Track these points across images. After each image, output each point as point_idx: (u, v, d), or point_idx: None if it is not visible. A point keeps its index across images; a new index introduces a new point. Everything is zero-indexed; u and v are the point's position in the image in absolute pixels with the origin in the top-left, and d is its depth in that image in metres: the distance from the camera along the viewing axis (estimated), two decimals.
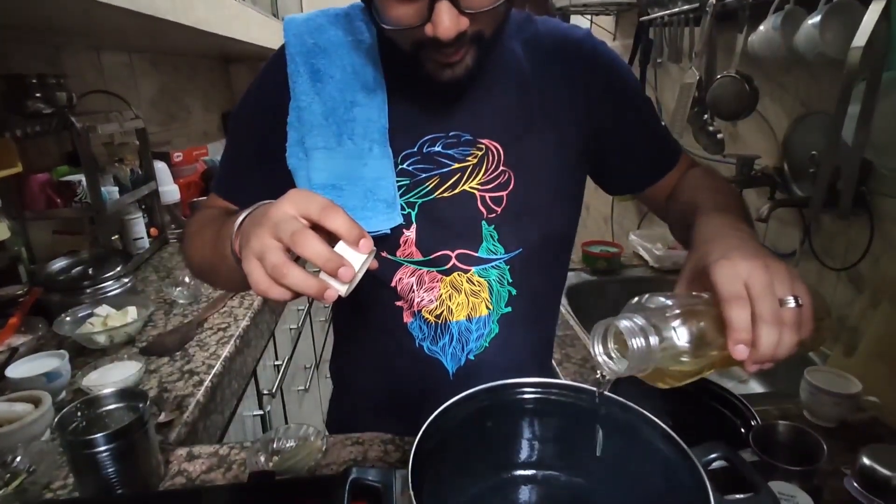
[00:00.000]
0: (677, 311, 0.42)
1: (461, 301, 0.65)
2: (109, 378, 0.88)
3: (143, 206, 1.58)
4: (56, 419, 0.62)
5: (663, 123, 0.74)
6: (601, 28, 2.18)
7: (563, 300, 1.36)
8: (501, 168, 0.63)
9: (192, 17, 1.23)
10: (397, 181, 0.62)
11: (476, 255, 0.64)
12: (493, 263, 0.65)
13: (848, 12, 0.91)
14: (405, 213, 0.63)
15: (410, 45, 0.54)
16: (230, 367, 1.05)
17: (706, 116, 1.36)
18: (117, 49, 1.77)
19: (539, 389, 0.50)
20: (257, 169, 0.66)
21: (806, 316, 0.42)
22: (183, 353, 1.03)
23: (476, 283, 0.65)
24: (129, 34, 1.41)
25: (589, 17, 2.15)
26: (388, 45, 0.62)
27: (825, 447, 0.60)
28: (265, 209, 0.45)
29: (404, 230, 0.64)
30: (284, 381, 1.49)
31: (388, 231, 0.62)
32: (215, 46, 2.00)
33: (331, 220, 0.43)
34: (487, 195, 0.64)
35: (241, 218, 0.49)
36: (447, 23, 0.49)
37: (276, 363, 1.47)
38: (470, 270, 0.65)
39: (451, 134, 0.63)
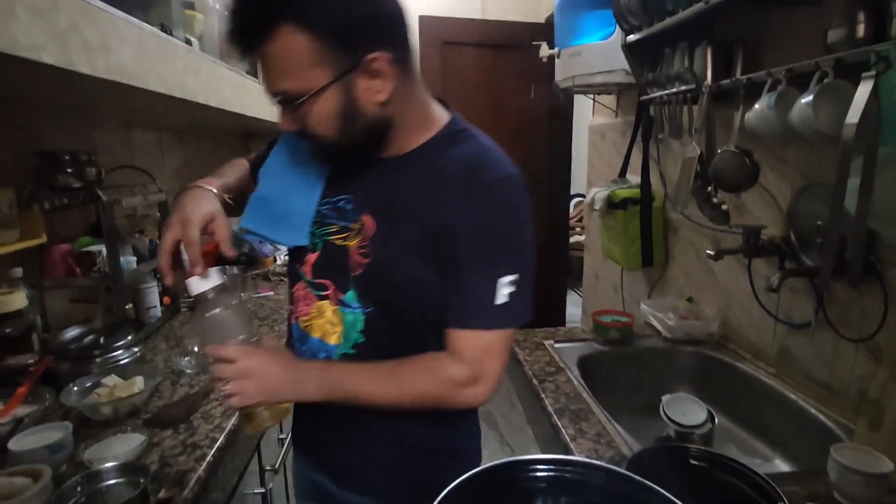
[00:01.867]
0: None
1: (321, 324, 0.81)
2: (111, 451, 0.86)
3: (158, 275, 1.61)
4: (55, 495, 0.61)
5: (504, 299, 0.71)
6: (603, 105, 2.29)
7: (576, 372, 1.32)
8: (369, 241, 0.76)
9: (220, 99, 1.32)
10: (314, 217, 0.82)
11: (342, 297, 0.79)
12: (351, 309, 0.78)
13: (839, 91, 0.95)
14: (315, 241, 0.82)
15: None
16: (234, 440, 1.03)
17: (709, 189, 1.39)
18: (148, 127, 1.88)
19: (552, 467, 0.48)
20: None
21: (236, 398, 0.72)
22: (187, 425, 1.01)
23: (338, 316, 0.79)
24: (161, 114, 1.51)
25: (591, 96, 2.27)
26: None
27: None
28: (181, 201, 0.78)
29: (310, 253, 0.82)
30: (288, 456, 1.44)
31: (301, 245, 0.82)
32: (238, 123, 2.12)
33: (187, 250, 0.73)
34: (358, 259, 0.77)
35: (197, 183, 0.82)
36: (279, 118, 0.75)
37: (281, 437, 1.43)
38: (337, 306, 0.79)
39: (348, 198, 0.79)
